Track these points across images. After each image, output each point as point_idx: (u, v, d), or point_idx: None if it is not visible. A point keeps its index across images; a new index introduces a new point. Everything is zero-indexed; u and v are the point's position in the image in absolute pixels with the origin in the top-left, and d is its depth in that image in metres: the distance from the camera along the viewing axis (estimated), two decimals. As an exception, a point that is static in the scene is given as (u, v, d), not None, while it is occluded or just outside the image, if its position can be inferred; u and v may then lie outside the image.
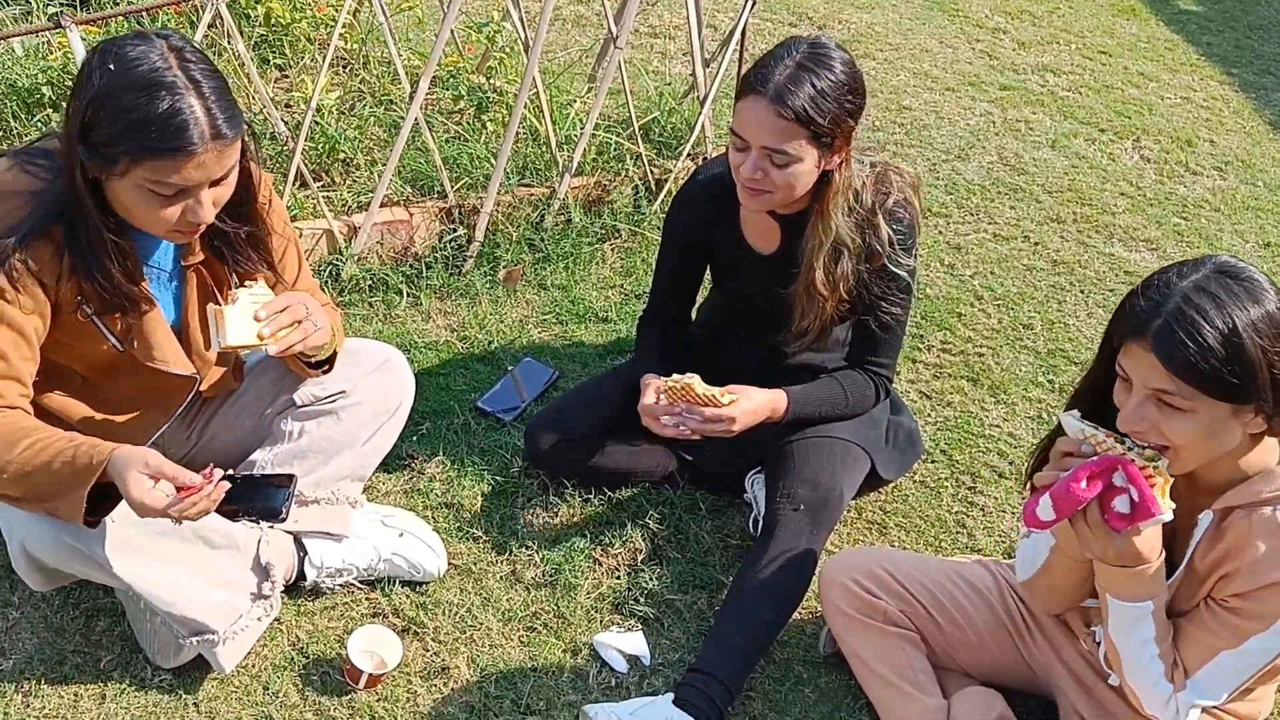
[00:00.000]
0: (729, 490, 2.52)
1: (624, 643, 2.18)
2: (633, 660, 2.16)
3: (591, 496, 2.48)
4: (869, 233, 2.19)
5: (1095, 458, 1.57)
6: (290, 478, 2.10)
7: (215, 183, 1.72)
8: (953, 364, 2.99)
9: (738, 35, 3.29)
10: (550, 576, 2.30)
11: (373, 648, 2.05)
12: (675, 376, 2.19)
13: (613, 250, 3.26)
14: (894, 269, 2.22)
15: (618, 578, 2.32)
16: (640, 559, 2.36)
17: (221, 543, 1.99)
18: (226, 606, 1.97)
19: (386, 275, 2.98)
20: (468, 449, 2.57)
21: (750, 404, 2.21)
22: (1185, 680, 1.71)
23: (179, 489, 1.68)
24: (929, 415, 2.82)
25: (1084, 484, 1.55)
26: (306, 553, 2.16)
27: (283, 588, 2.07)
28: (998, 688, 2.03)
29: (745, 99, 2.04)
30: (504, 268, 3.09)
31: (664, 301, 2.54)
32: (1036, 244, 3.54)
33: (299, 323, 1.88)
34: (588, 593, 2.28)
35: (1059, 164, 3.99)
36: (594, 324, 3.02)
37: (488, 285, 3.06)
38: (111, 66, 1.63)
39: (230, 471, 2.18)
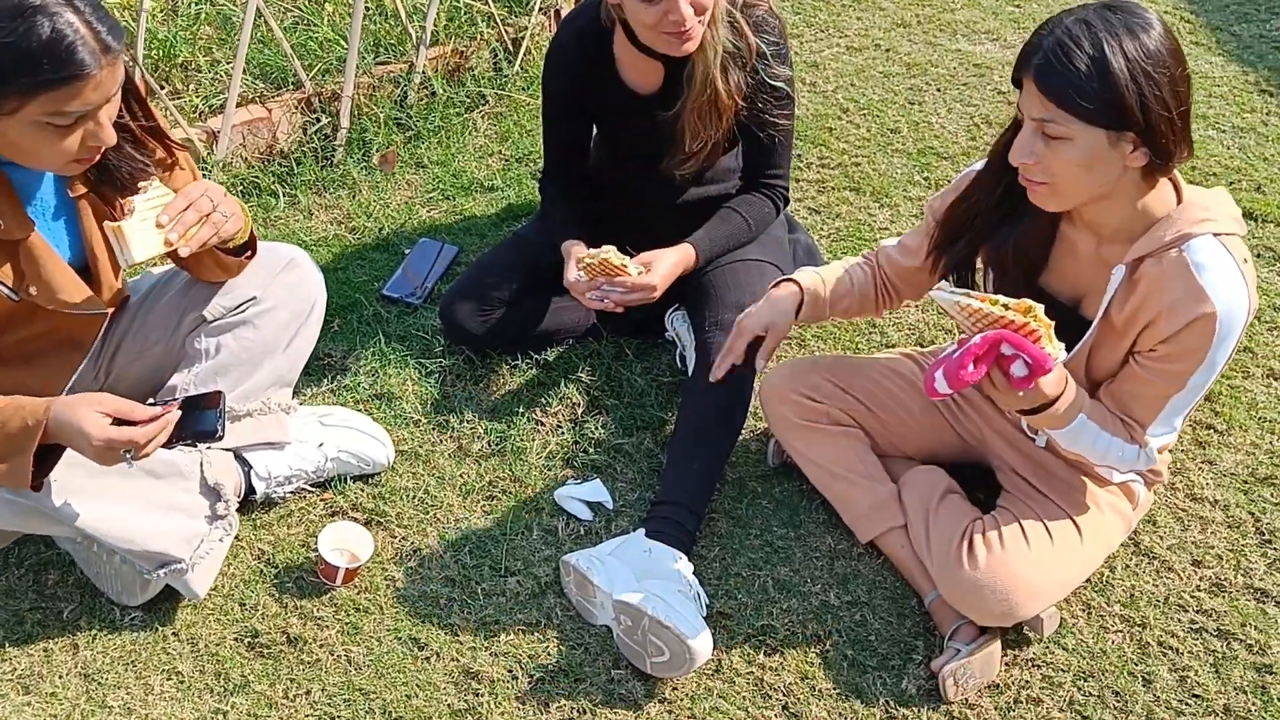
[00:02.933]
0: (650, 333, 2.56)
1: (584, 492, 2.23)
2: (596, 507, 2.22)
3: (519, 362, 2.49)
4: (741, 41, 2.20)
5: (978, 340, 1.62)
6: (218, 394, 2.04)
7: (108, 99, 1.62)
8: (833, 177, 3.07)
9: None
10: (497, 445, 2.32)
11: (342, 544, 2.05)
12: (591, 251, 2.20)
13: (482, 118, 3.19)
14: (771, 81, 2.25)
15: (563, 434, 2.35)
16: (580, 412, 2.40)
17: (164, 471, 1.93)
18: (186, 533, 1.92)
19: (257, 178, 2.85)
20: (385, 338, 2.53)
21: (664, 267, 2.25)
22: (1145, 433, 1.84)
23: (137, 422, 1.65)
24: (821, 229, 2.90)
25: (971, 368, 1.61)
26: (251, 466, 2.11)
27: (236, 505, 2.03)
28: (940, 465, 2.17)
29: None
30: (377, 152, 2.99)
31: (559, 160, 2.50)
32: (888, 50, 3.61)
33: (207, 217, 1.81)
34: (537, 453, 2.31)
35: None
36: (481, 194, 2.97)
37: (364, 172, 2.96)
38: None
39: (152, 400, 2.11)
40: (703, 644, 1.86)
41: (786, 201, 2.47)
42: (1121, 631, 2.01)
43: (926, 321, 2.64)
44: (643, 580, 1.96)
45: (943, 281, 1.79)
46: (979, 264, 1.97)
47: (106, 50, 1.56)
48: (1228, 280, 1.70)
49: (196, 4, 3.08)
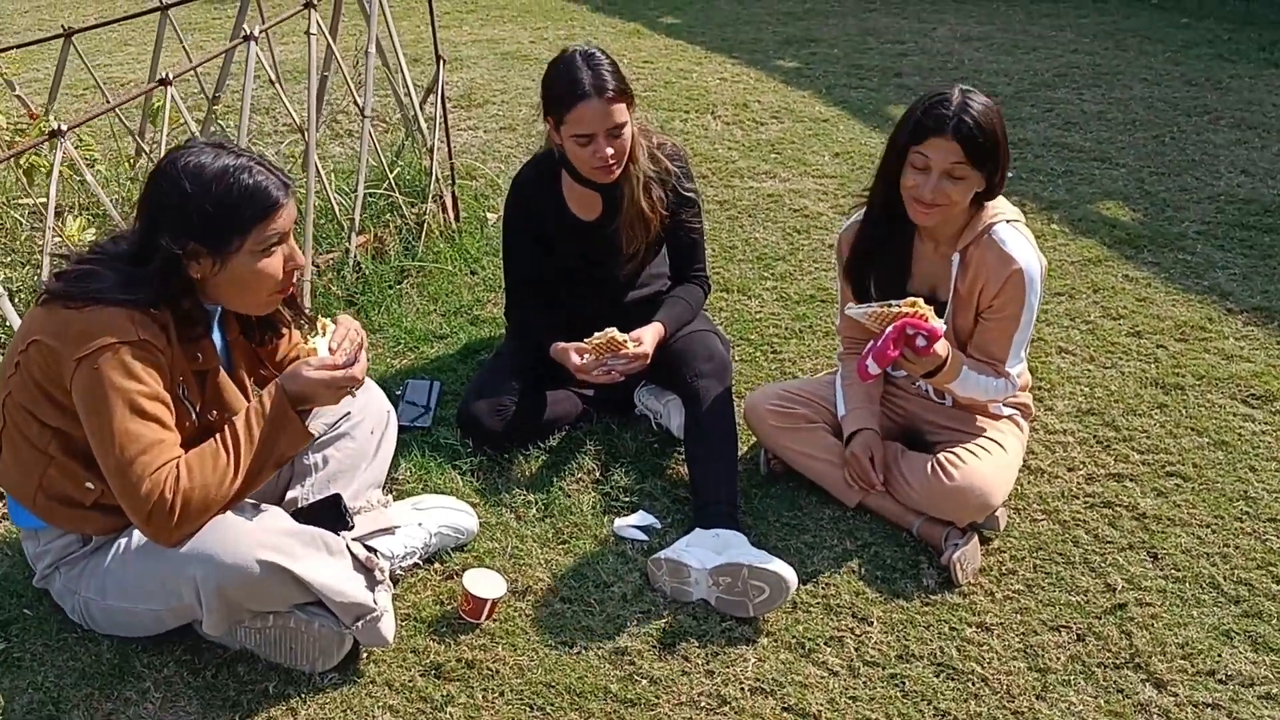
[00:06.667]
0: (625, 410, 3.19)
1: (635, 520, 2.78)
2: (648, 529, 2.77)
3: (530, 452, 3.03)
4: (660, 167, 3.00)
5: (891, 329, 2.46)
6: (337, 496, 2.50)
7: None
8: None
9: (439, 91, 3.93)
10: (547, 509, 2.83)
11: (476, 589, 2.47)
12: (597, 334, 2.83)
13: (411, 287, 3.76)
14: (686, 193, 3.05)
15: (593, 492, 2.90)
16: (600, 474, 2.96)
17: (335, 547, 2.32)
18: (365, 591, 2.31)
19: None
20: (419, 453, 2.99)
21: (650, 339, 2.93)
22: (1005, 368, 2.70)
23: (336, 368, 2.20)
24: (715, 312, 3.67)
25: (892, 348, 2.47)
26: (376, 550, 2.51)
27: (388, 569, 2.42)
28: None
29: (581, 104, 2.74)
30: (341, 322, 3.49)
31: (524, 285, 3.14)
32: (703, 193, 4.54)
33: (360, 347, 2.30)
34: (582, 508, 2.84)
35: (674, 140, 5.05)
36: (437, 341, 3.52)
37: (335, 340, 3.44)
38: (189, 180, 2.05)
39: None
40: (791, 573, 2.46)
41: (710, 287, 3.23)
42: (1044, 519, 2.81)
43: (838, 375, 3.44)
44: (722, 552, 2.54)
45: (850, 304, 2.60)
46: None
47: (284, 187, 2.14)
48: (1022, 248, 2.61)
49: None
